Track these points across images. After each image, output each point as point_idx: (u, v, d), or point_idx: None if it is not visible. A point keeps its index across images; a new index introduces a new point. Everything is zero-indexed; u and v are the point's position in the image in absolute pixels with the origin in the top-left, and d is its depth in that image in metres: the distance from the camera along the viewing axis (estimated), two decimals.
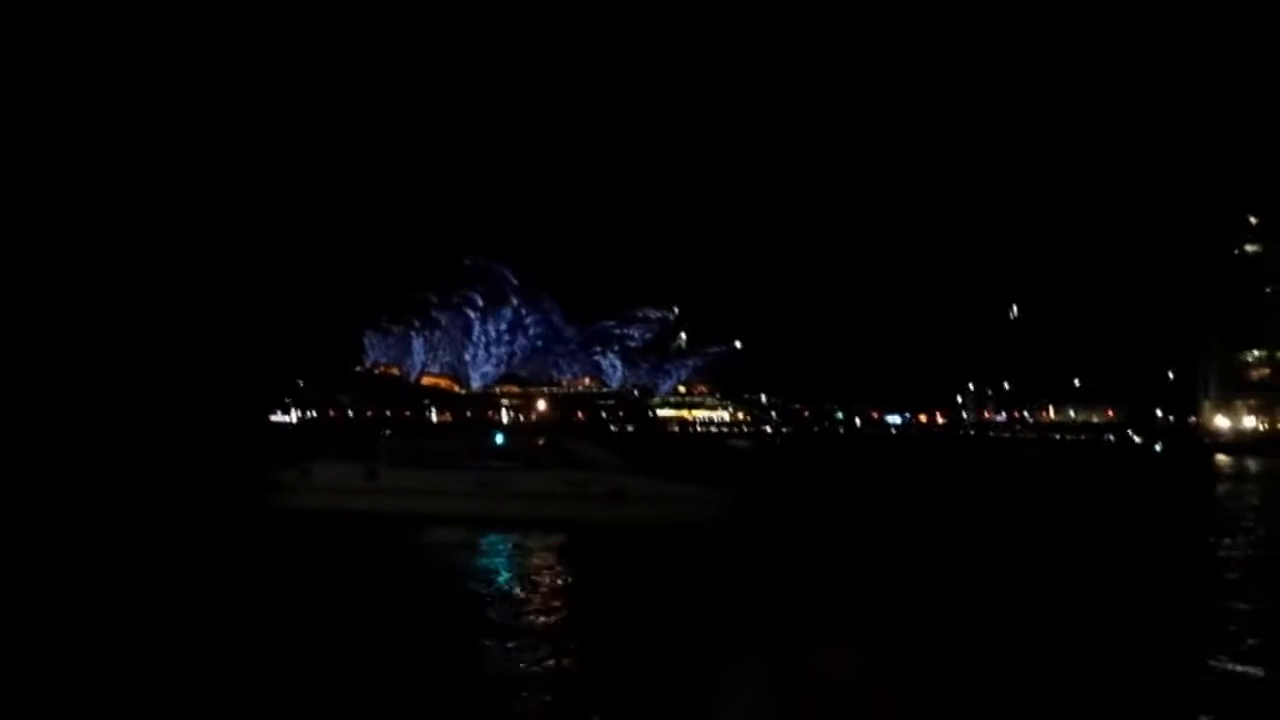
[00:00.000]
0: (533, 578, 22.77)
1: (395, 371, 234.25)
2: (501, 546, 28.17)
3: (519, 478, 31.22)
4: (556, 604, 19.58)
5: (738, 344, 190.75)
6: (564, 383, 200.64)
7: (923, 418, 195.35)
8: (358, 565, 24.24)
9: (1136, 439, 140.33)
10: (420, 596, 20.04)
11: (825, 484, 54.68)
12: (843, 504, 40.99)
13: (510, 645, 15.59)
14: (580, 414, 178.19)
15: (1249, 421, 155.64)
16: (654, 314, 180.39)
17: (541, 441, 36.45)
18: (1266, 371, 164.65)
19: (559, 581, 22.53)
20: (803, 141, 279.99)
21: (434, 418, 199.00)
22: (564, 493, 30.41)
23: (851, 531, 31.25)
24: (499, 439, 36.26)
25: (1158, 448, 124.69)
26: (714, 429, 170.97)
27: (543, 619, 17.94)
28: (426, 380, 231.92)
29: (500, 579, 23.17)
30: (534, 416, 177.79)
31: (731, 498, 31.25)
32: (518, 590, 21.06)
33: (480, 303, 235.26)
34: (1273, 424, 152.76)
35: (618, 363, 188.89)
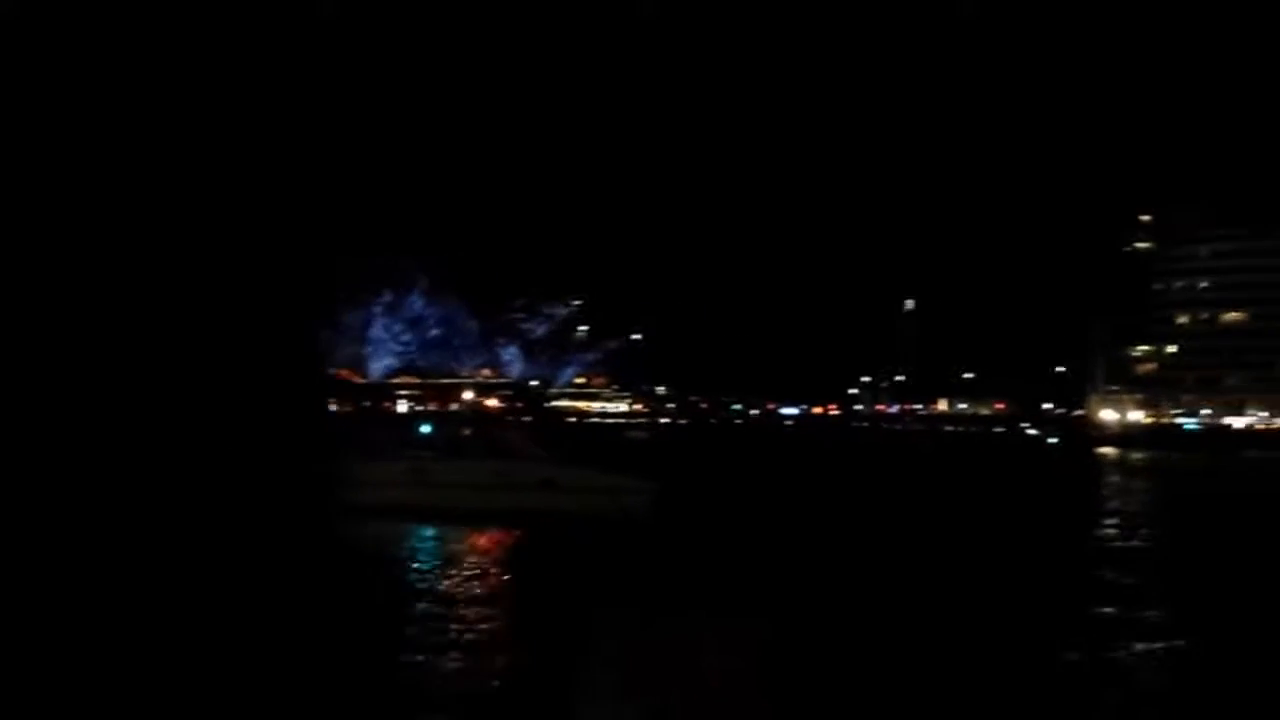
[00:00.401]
0: (459, 571, 22.48)
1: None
2: (429, 538, 27.93)
3: (446, 468, 30.81)
4: (480, 598, 19.32)
5: (637, 337, 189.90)
6: (463, 374, 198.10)
7: (817, 410, 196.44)
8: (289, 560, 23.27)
9: (1032, 432, 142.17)
10: (346, 593, 19.45)
11: (735, 477, 54.42)
12: (752, 499, 40.93)
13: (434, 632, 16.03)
14: (486, 404, 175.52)
15: (1135, 415, 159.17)
16: (554, 306, 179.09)
17: (467, 431, 35.76)
18: (1153, 366, 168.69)
19: (484, 573, 22.33)
20: (703, 134, 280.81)
21: (333, 407, 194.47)
22: (492, 483, 30.23)
23: (755, 526, 31.40)
24: (425, 428, 35.58)
25: (1052, 440, 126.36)
26: (611, 420, 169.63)
27: (467, 616, 17.56)
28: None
29: (425, 571, 22.81)
30: (432, 406, 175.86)
31: (658, 489, 31.16)
32: (445, 584, 20.82)
33: (383, 295, 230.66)
34: (1158, 418, 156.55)
35: (517, 354, 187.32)
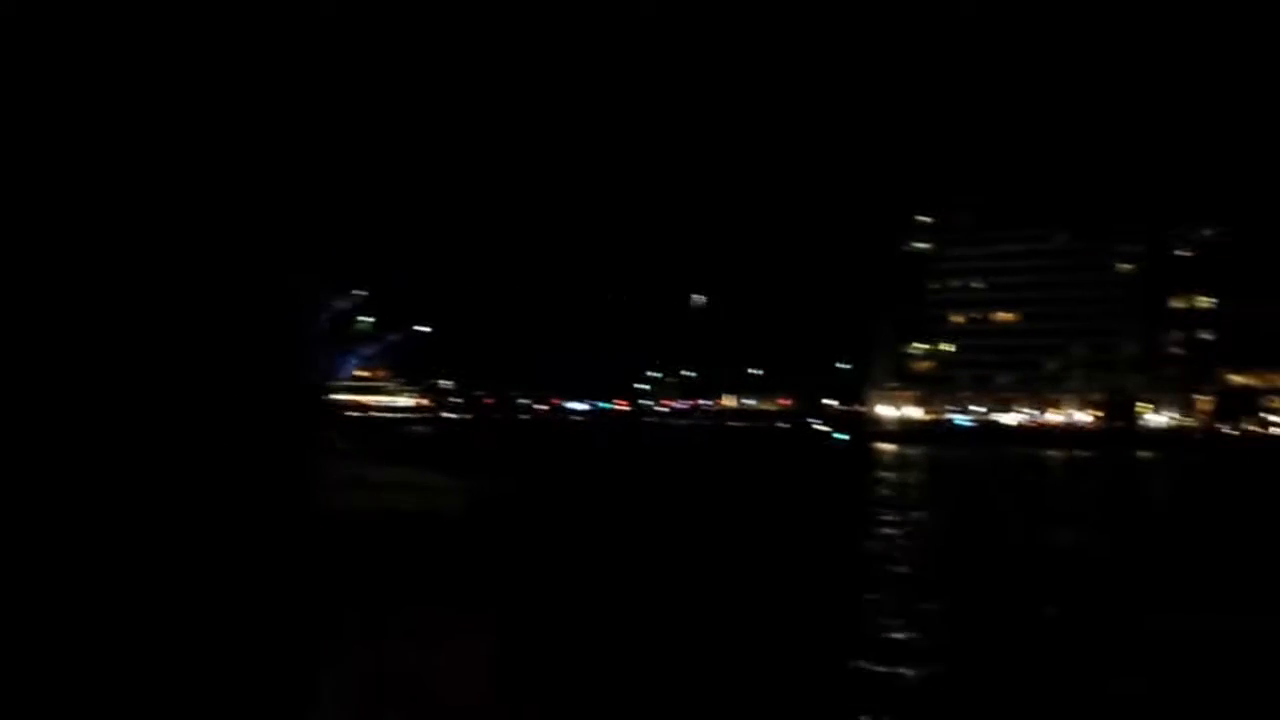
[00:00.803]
0: None
1: None
2: None
3: None
4: None
5: (423, 329, 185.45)
6: None
7: (605, 406, 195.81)
8: None
9: (822, 428, 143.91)
10: None
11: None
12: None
13: None
14: None
15: (912, 411, 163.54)
16: (335, 297, 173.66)
17: None
18: (929, 364, 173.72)
19: None
20: (482, 123, 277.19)
21: None
22: None
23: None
24: None
25: (840, 436, 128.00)
26: (394, 415, 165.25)
27: None
28: None
29: None
30: None
31: (473, 488, 30.38)
32: None
33: None
34: (934, 414, 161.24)
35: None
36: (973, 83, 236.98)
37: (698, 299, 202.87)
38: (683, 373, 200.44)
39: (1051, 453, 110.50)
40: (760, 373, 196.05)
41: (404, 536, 25.27)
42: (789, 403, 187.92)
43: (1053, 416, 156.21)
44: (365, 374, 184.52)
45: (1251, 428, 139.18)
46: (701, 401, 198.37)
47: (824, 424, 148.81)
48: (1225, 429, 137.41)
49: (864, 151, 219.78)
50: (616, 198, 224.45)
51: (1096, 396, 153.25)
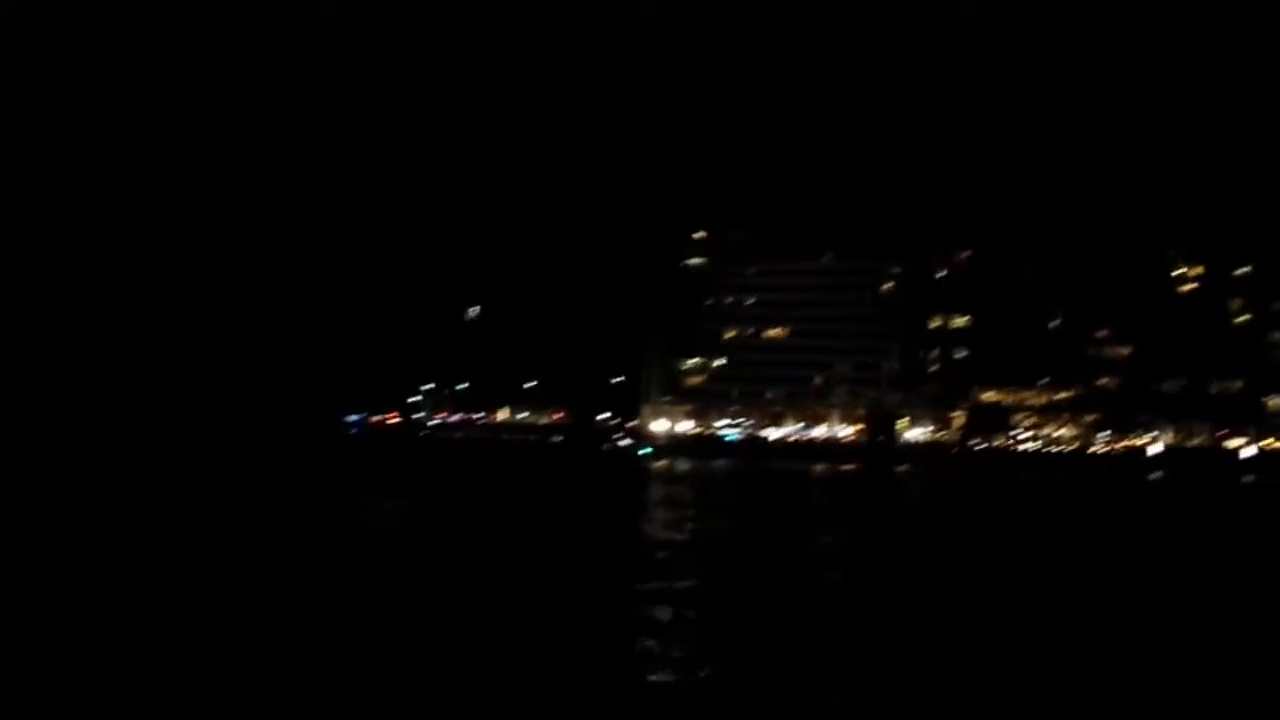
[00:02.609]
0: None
1: None
2: None
3: None
4: None
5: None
6: None
7: (376, 418, 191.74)
8: None
9: (625, 442, 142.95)
10: None
11: None
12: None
13: None
14: None
15: (684, 425, 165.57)
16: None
17: None
18: (701, 378, 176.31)
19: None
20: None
21: None
22: None
23: None
24: None
25: (646, 450, 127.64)
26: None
27: None
28: None
29: None
30: None
31: (406, 506, 32.90)
32: None
33: None
34: (704, 428, 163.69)
35: None
36: (755, 102, 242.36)
37: (472, 310, 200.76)
38: (456, 385, 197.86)
39: (817, 466, 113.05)
40: (534, 385, 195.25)
41: None
42: (562, 416, 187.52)
43: (818, 431, 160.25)
44: None
45: (1000, 443, 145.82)
46: (474, 415, 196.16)
47: (627, 439, 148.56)
48: (976, 444, 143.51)
49: (642, 165, 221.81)
50: (393, 206, 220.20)
51: (859, 412, 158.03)
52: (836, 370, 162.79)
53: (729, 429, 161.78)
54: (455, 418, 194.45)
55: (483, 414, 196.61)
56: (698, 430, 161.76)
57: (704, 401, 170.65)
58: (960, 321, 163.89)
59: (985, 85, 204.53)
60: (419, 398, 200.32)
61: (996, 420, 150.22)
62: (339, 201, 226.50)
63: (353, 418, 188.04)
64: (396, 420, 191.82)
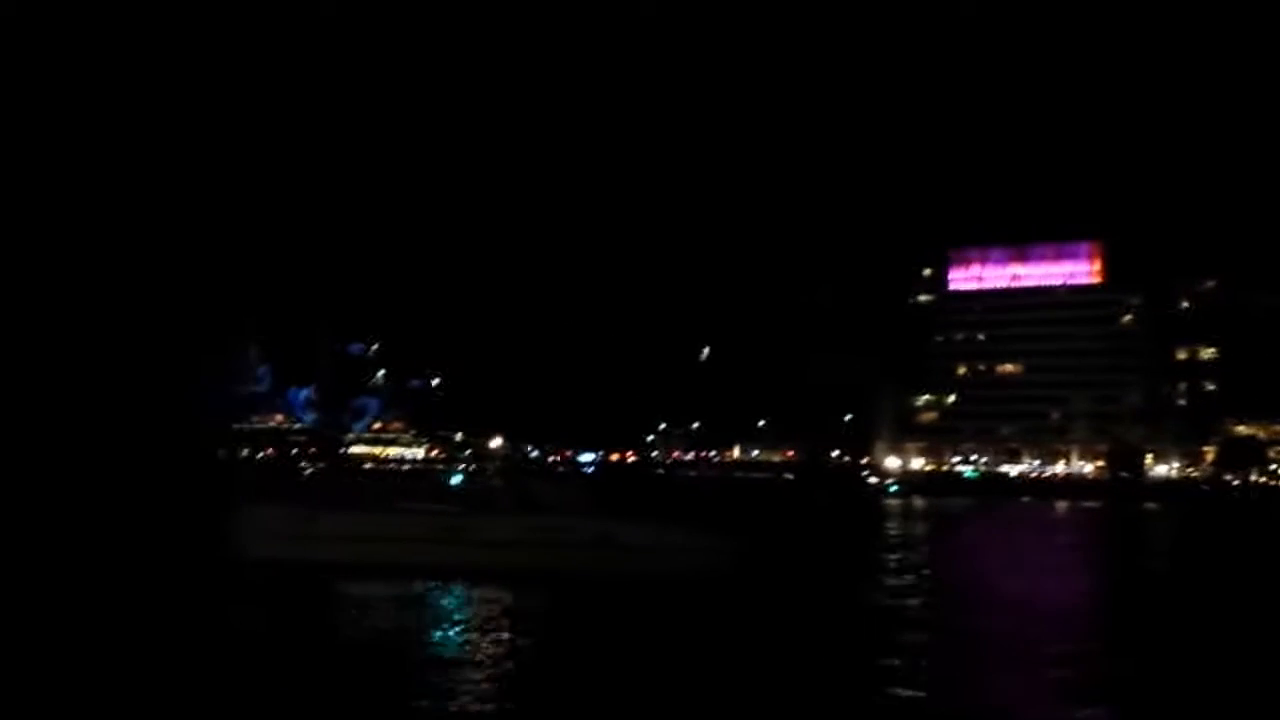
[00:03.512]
0: (509, 643, 20.06)
1: None
2: (471, 601, 25.20)
3: (485, 523, 27.89)
4: (530, 676, 17.46)
5: (434, 380, 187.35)
6: (254, 419, 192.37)
7: (614, 456, 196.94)
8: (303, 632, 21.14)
9: (874, 479, 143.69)
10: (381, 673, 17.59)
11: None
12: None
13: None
14: (270, 450, 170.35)
15: (917, 462, 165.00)
16: (352, 348, 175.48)
17: (497, 483, 33.19)
18: (934, 415, 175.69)
19: (538, 648, 19.89)
20: (500, 177, 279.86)
21: None
22: (537, 540, 27.36)
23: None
24: (455, 479, 32.55)
25: (895, 487, 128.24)
26: (407, 466, 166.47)
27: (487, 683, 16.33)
28: None
29: (470, 645, 20.11)
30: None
31: (736, 547, 28.54)
32: (492, 660, 18.54)
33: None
34: (938, 465, 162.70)
35: (312, 399, 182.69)
36: (986, 135, 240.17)
37: (705, 350, 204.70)
38: (691, 425, 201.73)
39: (1059, 504, 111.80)
40: (765, 424, 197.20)
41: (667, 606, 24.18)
42: (793, 454, 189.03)
43: (1058, 467, 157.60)
44: (379, 426, 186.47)
45: (1258, 478, 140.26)
46: (708, 453, 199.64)
47: (873, 475, 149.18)
48: (1231, 479, 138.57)
49: (868, 204, 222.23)
50: (625, 248, 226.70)
51: (1101, 448, 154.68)
52: (1075, 405, 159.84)
53: (963, 465, 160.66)
54: (689, 456, 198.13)
55: (715, 452, 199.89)
56: (931, 467, 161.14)
57: (936, 438, 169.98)
58: (1208, 353, 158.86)
59: (1231, 111, 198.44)
60: (652, 437, 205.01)
61: (1250, 455, 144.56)
62: (573, 246, 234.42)
63: (587, 457, 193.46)
64: (633, 459, 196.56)
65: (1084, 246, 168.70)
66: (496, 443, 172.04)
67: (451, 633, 21.77)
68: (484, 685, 16.60)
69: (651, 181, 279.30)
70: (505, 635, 21.08)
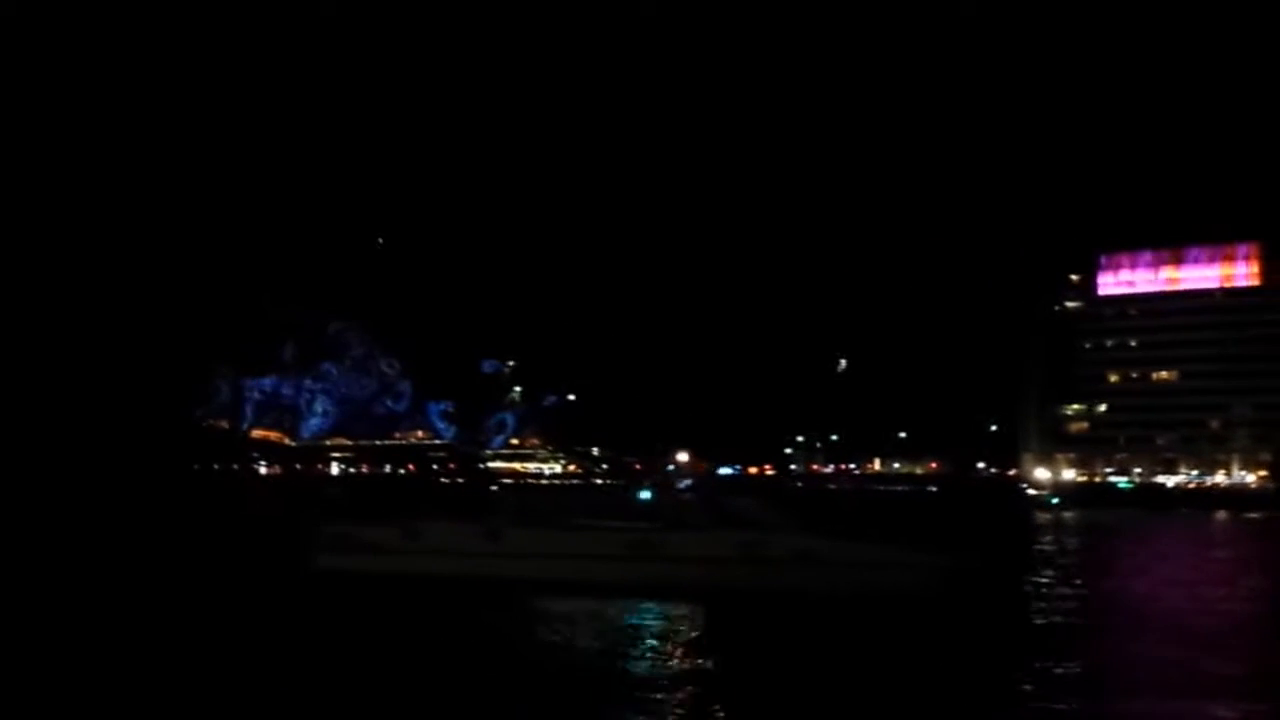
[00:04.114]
0: (722, 664, 19.12)
1: (224, 424, 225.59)
2: (671, 619, 24.20)
3: (679, 539, 27.07)
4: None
5: (571, 396, 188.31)
6: (395, 435, 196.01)
7: (753, 470, 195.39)
8: (493, 648, 20.71)
9: (1032, 491, 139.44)
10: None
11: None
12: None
13: None
14: (410, 466, 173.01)
15: (1068, 474, 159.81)
16: (488, 366, 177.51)
17: (688, 497, 32.50)
18: (1085, 425, 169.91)
19: (753, 668, 18.97)
20: (633, 191, 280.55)
21: (263, 470, 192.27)
22: (737, 556, 26.47)
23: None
24: (644, 494, 31.29)
25: (1055, 500, 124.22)
26: (545, 481, 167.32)
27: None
28: (256, 433, 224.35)
29: (679, 664, 19.26)
30: (365, 470, 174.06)
31: (947, 563, 27.16)
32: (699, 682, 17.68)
33: (311, 355, 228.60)
34: (1091, 476, 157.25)
35: (451, 415, 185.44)
36: (1131, 141, 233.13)
37: (842, 362, 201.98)
38: (830, 437, 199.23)
39: (1218, 515, 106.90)
40: (906, 436, 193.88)
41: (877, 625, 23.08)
42: (937, 466, 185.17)
43: (1218, 478, 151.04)
44: (516, 442, 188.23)
45: None
46: (848, 465, 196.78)
47: (1031, 488, 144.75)
48: None
49: (1012, 208, 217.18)
50: (758, 262, 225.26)
51: (1264, 456, 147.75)
52: (1235, 412, 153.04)
53: (1116, 476, 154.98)
54: (828, 468, 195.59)
55: (854, 465, 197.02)
56: (1083, 478, 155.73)
57: (1088, 449, 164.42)
58: None
59: None
60: (790, 450, 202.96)
61: None
62: (712, 262, 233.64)
63: (726, 471, 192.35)
64: (771, 472, 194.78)
65: (1242, 248, 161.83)
66: (683, 457, 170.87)
67: (658, 651, 20.81)
68: (702, 705, 16.09)
69: (789, 192, 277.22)
70: (715, 655, 20.11)
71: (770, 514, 29.75)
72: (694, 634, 22.69)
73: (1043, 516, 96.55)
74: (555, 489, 78.25)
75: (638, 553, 26.88)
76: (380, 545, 28.57)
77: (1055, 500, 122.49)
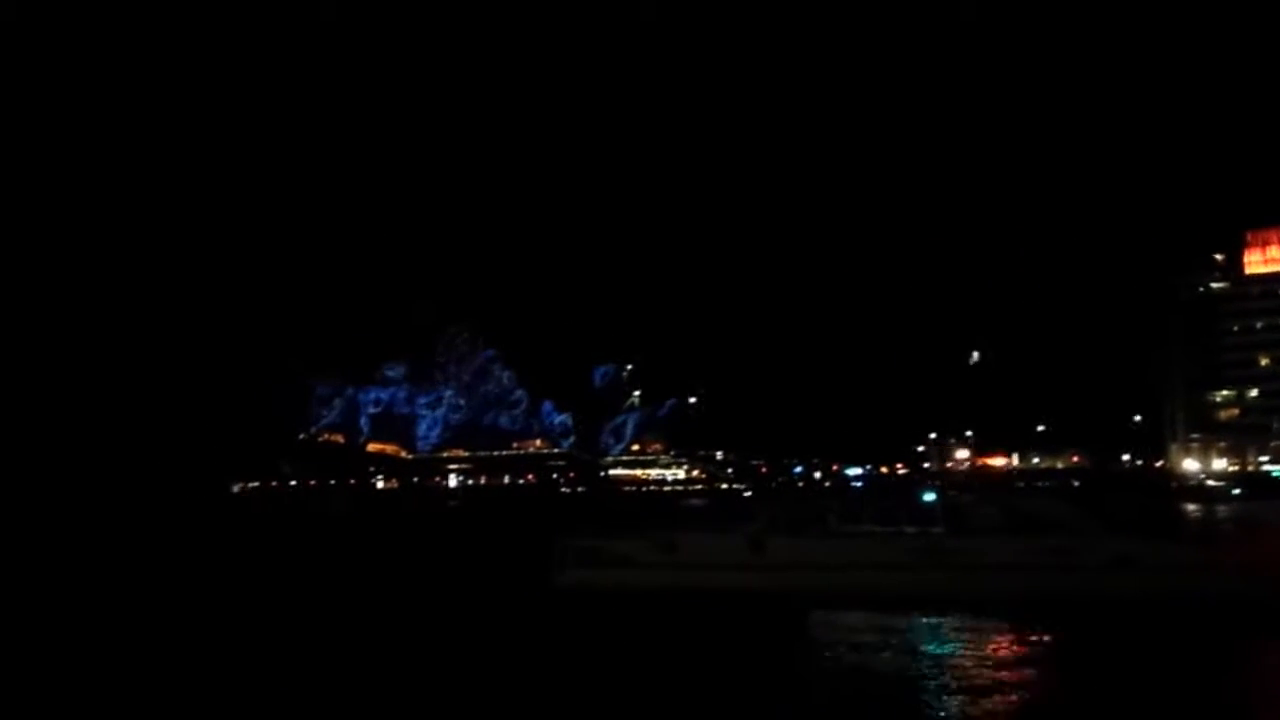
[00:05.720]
0: (1058, 682, 17.37)
1: (340, 439, 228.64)
2: (976, 632, 21.50)
3: (973, 545, 25.09)
4: None
5: (692, 399, 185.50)
6: (514, 445, 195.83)
7: (884, 469, 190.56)
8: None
9: (1212, 483, 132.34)
10: None
11: None
12: None
13: None
14: (530, 476, 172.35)
15: (1219, 464, 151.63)
16: (606, 371, 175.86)
17: (971, 499, 30.19)
18: (1235, 411, 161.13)
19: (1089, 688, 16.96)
20: (754, 189, 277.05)
21: (380, 484, 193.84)
22: (1046, 563, 24.30)
23: None
24: (929, 496, 28.87)
25: (1236, 491, 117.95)
26: (668, 488, 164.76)
27: None
28: (373, 447, 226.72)
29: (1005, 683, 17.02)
30: (484, 480, 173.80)
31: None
32: None
33: (427, 365, 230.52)
34: (1243, 465, 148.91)
35: (569, 423, 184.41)
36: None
37: (975, 355, 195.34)
38: (965, 433, 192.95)
39: None
40: (1044, 429, 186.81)
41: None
42: (1079, 459, 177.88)
43: None
44: (637, 447, 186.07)
45: None
46: (985, 461, 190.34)
47: (1210, 480, 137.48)
48: None
49: (1154, 191, 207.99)
50: (890, 258, 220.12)
51: None
52: None
53: (1272, 465, 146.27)
54: (964, 465, 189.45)
55: (1002, 460, 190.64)
56: (1235, 468, 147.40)
57: (1240, 436, 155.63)
58: None
59: None
60: (923, 447, 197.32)
61: None
62: (837, 259, 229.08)
63: (855, 471, 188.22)
64: (903, 470, 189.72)
65: None
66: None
67: (972, 669, 18.28)
68: None
69: (921, 188, 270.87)
70: (1045, 672, 18.28)
71: (1075, 515, 26.87)
72: (1039, 656, 19.98)
73: (1223, 510, 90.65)
74: (816, 493, 75.05)
75: (922, 560, 24.86)
76: (632, 559, 26.98)
77: (1236, 491, 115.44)
